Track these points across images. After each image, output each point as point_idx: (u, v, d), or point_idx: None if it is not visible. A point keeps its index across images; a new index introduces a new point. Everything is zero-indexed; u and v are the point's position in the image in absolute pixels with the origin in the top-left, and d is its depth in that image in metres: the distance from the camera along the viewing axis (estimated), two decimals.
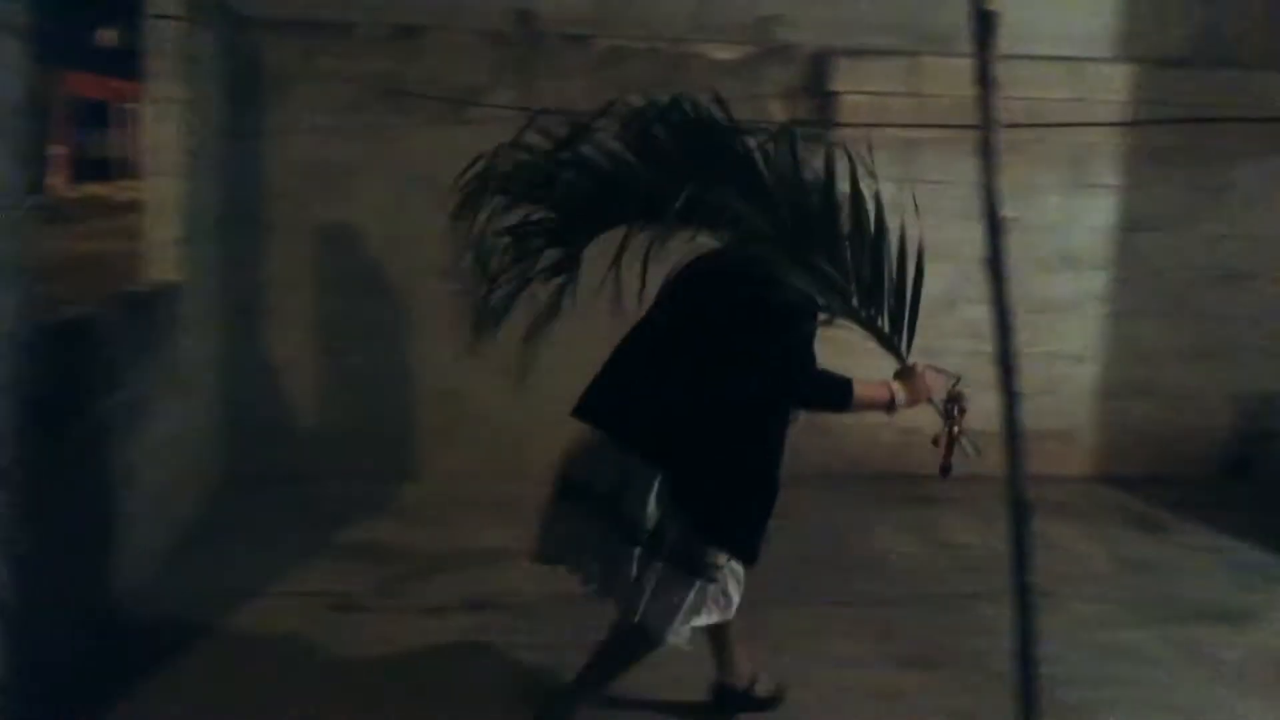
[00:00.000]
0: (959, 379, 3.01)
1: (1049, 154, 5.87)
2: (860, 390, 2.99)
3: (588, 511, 3.09)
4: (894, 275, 2.84)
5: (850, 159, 2.78)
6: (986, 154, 2.47)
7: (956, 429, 2.90)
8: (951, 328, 5.24)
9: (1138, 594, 4.61)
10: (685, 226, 2.84)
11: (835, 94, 5.59)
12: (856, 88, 5.51)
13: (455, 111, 5.43)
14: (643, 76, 5.51)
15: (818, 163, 2.80)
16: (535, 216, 3.08)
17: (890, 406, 3.01)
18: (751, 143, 2.85)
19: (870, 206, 2.80)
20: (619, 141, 2.93)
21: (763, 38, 5.65)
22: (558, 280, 3.09)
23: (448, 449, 5.71)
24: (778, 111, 5.60)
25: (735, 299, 2.90)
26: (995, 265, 2.49)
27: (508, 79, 5.52)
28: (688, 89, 5.37)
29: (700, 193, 2.75)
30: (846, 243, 2.79)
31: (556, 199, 3.03)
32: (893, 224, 2.84)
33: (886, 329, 2.91)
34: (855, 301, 2.84)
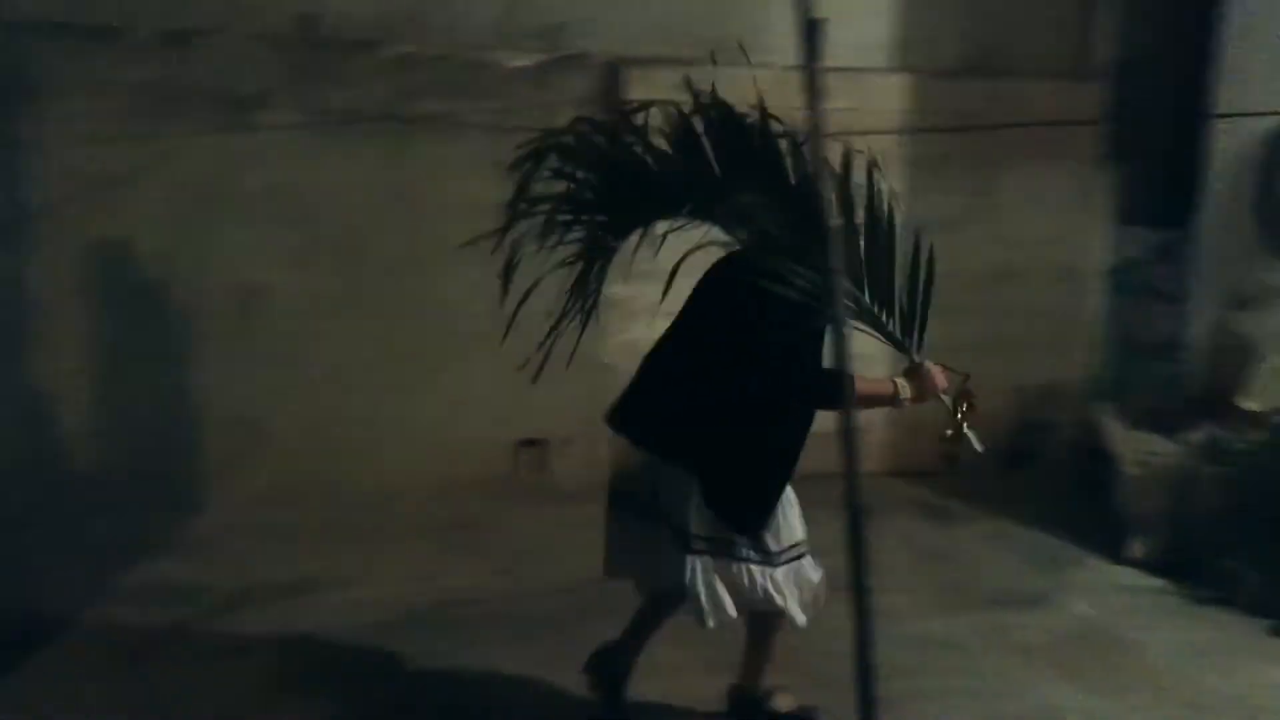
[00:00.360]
0: (968, 377, 3.14)
1: (836, 162, 6.04)
2: (862, 387, 3.00)
3: (637, 517, 3.22)
4: (904, 276, 2.96)
5: (872, 165, 2.94)
6: (815, 163, 2.49)
7: (965, 424, 3.04)
8: None
9: (939, 584, 4.78)
10: (708, 223, 3.00)
11: (630, 103, 5.58)
12: (650, 97, 5.51)
13: (236, 119, 5.17)
14: (434, 84, 5.39)
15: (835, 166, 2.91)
16: (584, 194, 3.18)
17: (895, 401, 3.09)
18: (780, 145, 2.97)
19: (884, 210, 2.94)
20: (662, 137, 3.08)
21: (556, 46, 5.60)
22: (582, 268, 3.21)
23: (240, 477, 5.40)
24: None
25: (739, 300, 2.97)
26: (831, 274, 2.52)
27: (290, 86, 5.28)
28: (480, 96, 5.35)
29: (718, 191, 2.88)
30: (860, 244, 2.90)
31: (603, 182, 3.15)
32: None
33: (897, 329, 2.98)
34: (866, 301, 2.93)
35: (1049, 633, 4.30)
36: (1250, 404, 5.11)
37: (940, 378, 3.12)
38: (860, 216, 2.98)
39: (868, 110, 5.91)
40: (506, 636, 4.10)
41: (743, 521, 3.16)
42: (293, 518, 5.16)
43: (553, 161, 3.18)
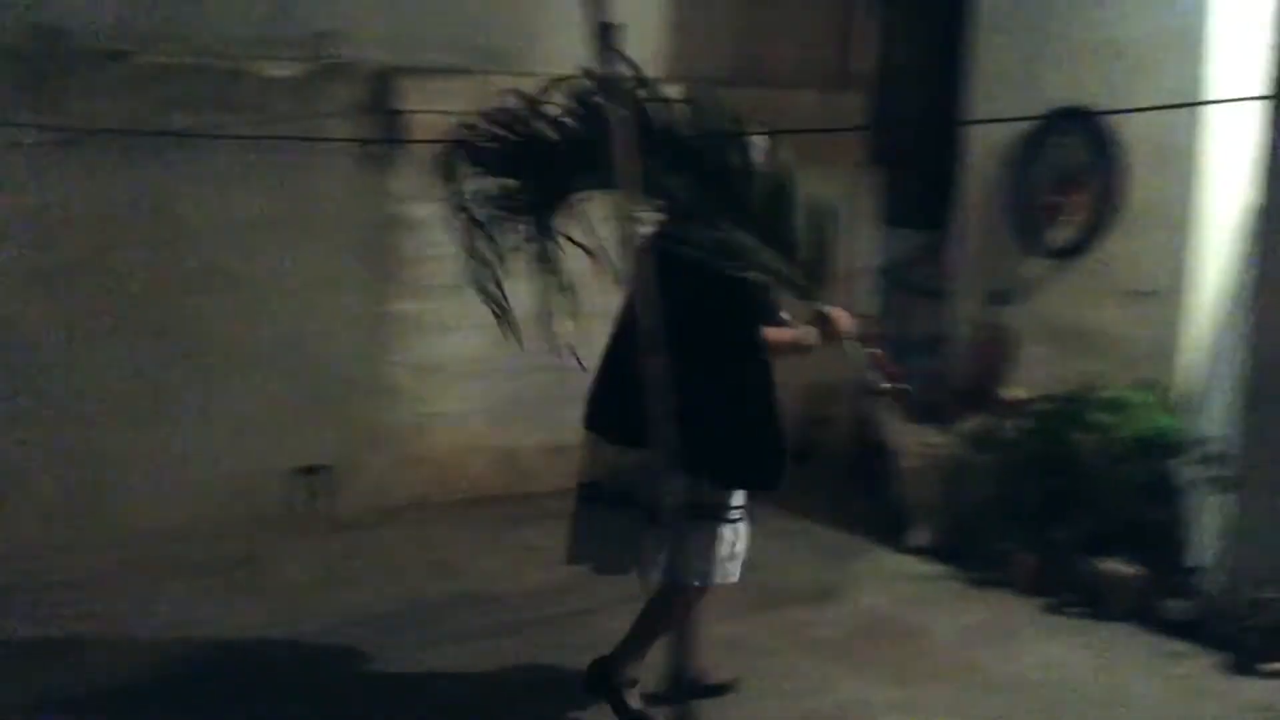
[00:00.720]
0: (872, 318, 3.48)
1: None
2: (773, 335, 3.26)
3: (609, 508, 3.36)
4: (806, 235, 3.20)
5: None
6: (624, 177, 2.42)
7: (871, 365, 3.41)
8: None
9: (734, 585, 4.81)
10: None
11: (402, 113, 5.43)
12: (424, 107, 5.38)
13: None
14: (189, 96, 5.08)
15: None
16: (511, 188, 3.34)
17: (804, 347, 3.31)
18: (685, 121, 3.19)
19: (786, 171, 3.21)
20: (569, 116, 3.23)
21: (322, 55, 5.38)
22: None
23: None
24: (341, 130, 5.36)
25: (680, 274, 3.03)
26: (643, 288, 2.46)
27: (30, 100, 4.85)
28: (239, 108, 5.08)
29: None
30: (765, 209, 3.15)
31: (524, 170, 3.31)
32: None
33: (801, 281, 3.19)
34: (771, 254, 3.14)
35: (844, 627, 4.40)
36: (1013, 393, 5.39)
37: (846, 321, 3.29)
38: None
39: None
40: (294, 683, 3.88)
41: (760, 481, 3.36)
42: (49, 567, 4.74)
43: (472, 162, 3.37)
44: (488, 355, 5.48)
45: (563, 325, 3.27)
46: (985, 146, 5.65)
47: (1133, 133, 5.03)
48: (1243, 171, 4.81)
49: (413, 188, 5.25)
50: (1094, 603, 4.50)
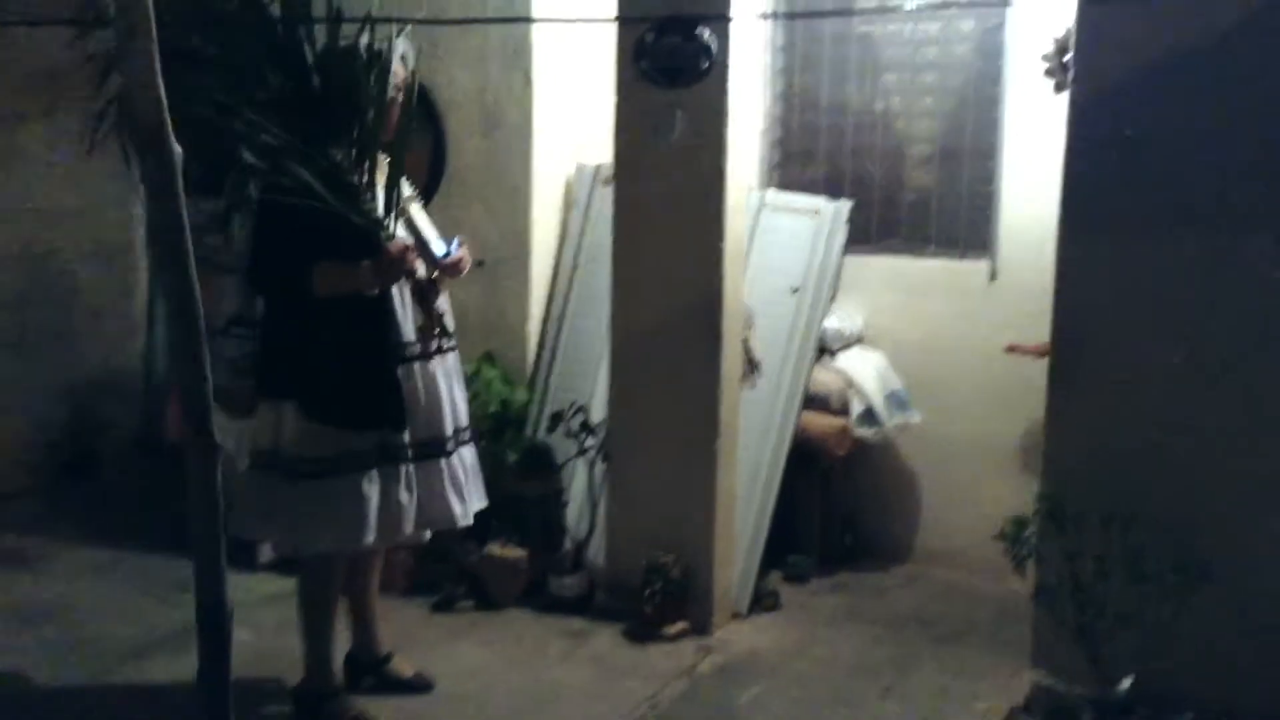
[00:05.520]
0: (440, 260, 3.26)
1: None
2: (324, 277, 3.11)
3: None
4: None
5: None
6: None
7: (436, 309, 3.21)
8: None
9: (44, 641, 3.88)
10: None
11: None
12: None
13: None
14: None
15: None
16: None
17: (364, 283, 3.12)
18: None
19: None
20: None
21: None
22: None
23: None
24: None
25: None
26: None
27: None
28: None
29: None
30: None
31: None
32: None
33: (377, 213, 3.09)
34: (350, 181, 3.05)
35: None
36: None
37: (406, 259, 3.11)
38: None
39: None
40: None
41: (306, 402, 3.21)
42: None
43: None
44: None
45: None
46: None
47: (458, 96, 4.81)
48: (574, 136, 4.86)
49: None
50: (482, 593, 4.24)
